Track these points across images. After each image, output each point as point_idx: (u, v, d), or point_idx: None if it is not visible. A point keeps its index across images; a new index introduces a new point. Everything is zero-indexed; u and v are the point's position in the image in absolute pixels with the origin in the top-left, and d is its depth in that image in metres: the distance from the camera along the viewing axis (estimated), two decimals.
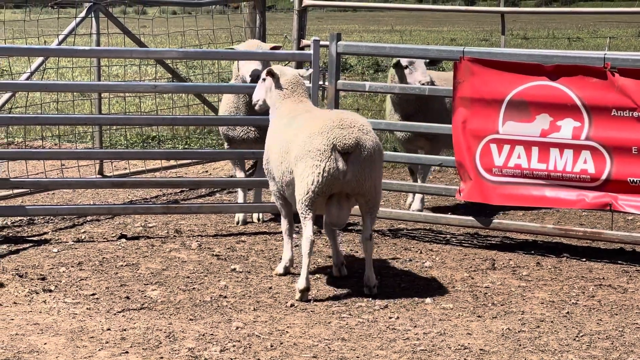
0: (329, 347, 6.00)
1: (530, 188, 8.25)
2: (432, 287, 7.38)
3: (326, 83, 8.97)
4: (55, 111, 12.34)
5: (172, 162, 11.45)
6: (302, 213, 6.97)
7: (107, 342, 6.01)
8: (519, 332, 6.36)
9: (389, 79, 9.66)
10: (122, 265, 7.82)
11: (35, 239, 8.63)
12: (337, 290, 7.25)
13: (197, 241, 8.58)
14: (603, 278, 7.69)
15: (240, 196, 9.48)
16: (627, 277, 7.73)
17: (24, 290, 7.07)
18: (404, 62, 9.30)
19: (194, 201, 10.25)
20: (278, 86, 7.63)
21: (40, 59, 10.25)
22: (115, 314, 6.61)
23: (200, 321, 6.48)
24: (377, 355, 5.89)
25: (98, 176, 10.85)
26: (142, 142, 12.82)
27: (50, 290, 7.12)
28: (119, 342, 6.02)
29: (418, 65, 9.28)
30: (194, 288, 7.24)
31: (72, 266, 7.78)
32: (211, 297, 7.01)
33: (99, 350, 5.88)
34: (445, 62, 11.49)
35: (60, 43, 10.24)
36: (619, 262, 8.16)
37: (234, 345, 5.98)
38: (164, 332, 6.21)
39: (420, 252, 8.39)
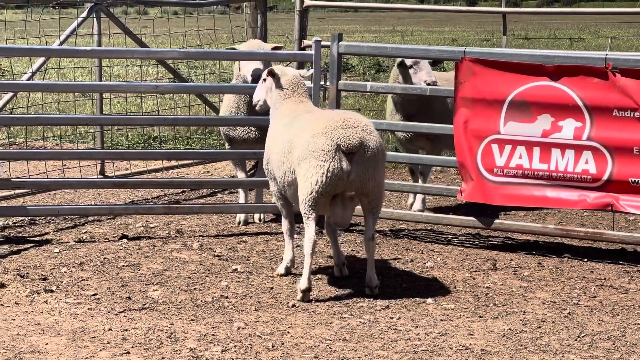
0: (330, 348, 6.00)
1: (532, 188, 8.25)
2: (433, 288, 7.38)
3: (327, 83, 8.97)
4: (56, 111, 12.34)
5: (174, 163, 11.45)
6: (305, 213, 6.97)
7: (108, 343, 6.01)
8: (520, 332, 6.36)
9: (391, 79, 9.65)
10: (123, 266, 7.82)
11: (36, 239, 8.64)
12: (338, 291, 7.25)
13: (198, 241, 8.58)
14: (604, 278, 7.69)
15: (241, 196, 9.48)
16: (628, 278, 7.72)
17: (26, 291, 7.07)
18: (408, 61, 9.29)
19: (196, 201, 10.25)
20: (279, 86, 7.64)
21: (41, 59, 10.26)
22: (116, 314, 6.61)
23: (202, 321, 6.48)
24: (379, 355, 5.89)
25: (99, 176, 10.86)
26: (144, 143, 12.82)
27: (52, 291, 7.12)
28: (120, 342, 6.02)
29: (423, 65, 9.28)
30: (195, 288, 7.25)
31: (73, 266, 7.78)
32: (212, 298, 7.01)
33: (101, 350, 5.88)
34: (447, 62, 11.48)
35: (61, 43, 10.25)
36: (621, 262, 8.16)
37: (235, 346, 5.98)
38: (166, 332, 6.21)
39: (422, 253, 8.39)
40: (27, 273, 7.53)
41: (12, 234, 8.80)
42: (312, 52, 8.93)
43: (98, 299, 6.98)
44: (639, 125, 7.84)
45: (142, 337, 6.12)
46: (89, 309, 6.73)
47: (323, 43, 9.09)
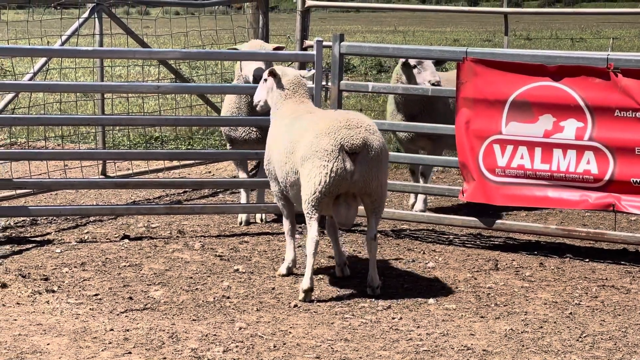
0: (332, 348, 6.00)
1: (533, 188, 8.24)
2: (435, 288, 7.38)
3: (329, 84, 8.96)
4: (58, 112, 12.35)
5: (175, 163, 11.45)
6: (307, 213, 6.96)
7: (110, 343, 6.01)
8: (522, 332, 6.36)
9: (393, 79, 9.64)
10: (125, 266, 7.82)
11: (38, 239, 8.64)
12: (340, 291, 7.25)
13: (200, 242, 8.58)
14: (606, 279, 7.69)
15: (243, 197, 9.48)
16: (630, 278, 7.72)
17: (27, 291, 7.07)
18: (412, 61, 9.28)
19: (197, 202, 10.25)
20: (279, 86, 7.63)
21: (43, 60, 10.27)
22: (118, 315, 6.61)
23: (203, 322, 6.48)
24: (380, 355, 5.89)
25: (101, 177, 10.86)
26: (145, 143, 12.82)
27: (53, 291, 7.12)
28: (122, 342, 6.02)
29: (427, 65, 9.26)
30: (196, 288, 7.25)
31: (75, 267, 7.78)
32: (214, 298, 7.02)
33: (102, 350, 5.88)
34: (448, 62, 11.48)
35: (63, 43, 10.25)
36: (622, 262, 8.15)
37: (236, 346, 5.98)
38: (167, 332, 6.21)
39: (423, 253, 8.39)
40: (28, 273, 7.53)
41: (13, 234, 8.80)
42: (314, 52, 8.94)
43: (100, 299, 6.98)
44: None
45: (144, 337, 6.12)
46: (90, 309, 6.73)
47: (325, 43, 9.09)
